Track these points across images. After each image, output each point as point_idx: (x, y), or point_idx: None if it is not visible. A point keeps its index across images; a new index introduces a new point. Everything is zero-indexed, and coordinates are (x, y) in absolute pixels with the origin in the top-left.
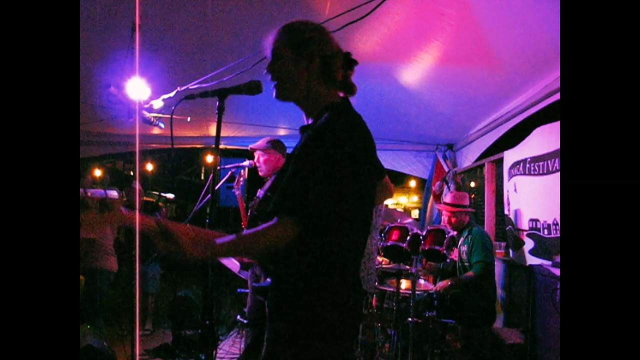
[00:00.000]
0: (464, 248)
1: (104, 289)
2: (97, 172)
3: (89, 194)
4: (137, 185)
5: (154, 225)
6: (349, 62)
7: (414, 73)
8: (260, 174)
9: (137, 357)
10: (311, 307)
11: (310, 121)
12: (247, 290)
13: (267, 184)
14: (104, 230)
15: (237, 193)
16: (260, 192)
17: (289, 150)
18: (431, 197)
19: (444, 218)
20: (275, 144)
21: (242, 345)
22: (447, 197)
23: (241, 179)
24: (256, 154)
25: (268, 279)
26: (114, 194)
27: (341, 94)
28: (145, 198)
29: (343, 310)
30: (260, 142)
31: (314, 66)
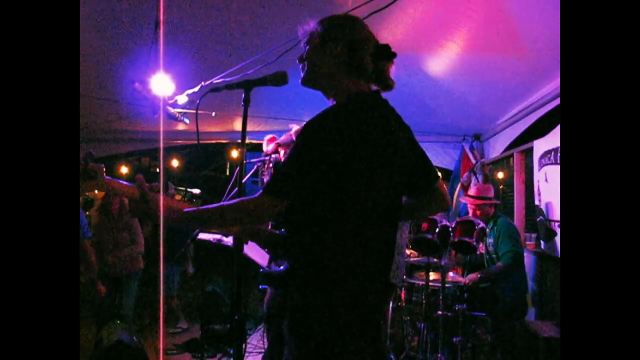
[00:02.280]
0: (490, 240)
1: (135, 289)
2: (124, 169)
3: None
4: (162, 181)
5: (135, 192)
6: (385, 54)
7: (439, 63)
8: None
9: (161, 352)
10: (319, 295)
11: None
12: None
13: None
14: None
15: (266, 180)
16: None
17: None
18: (457, 188)
19: (470, 211)
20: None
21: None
22: (472, 190)
23: (266, 171)
24: (282, 150)
25: (274, 266)
26: (100, 166)
27: (374, 87)
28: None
29: (352, 302)
30: (284, 137)
31: (339, 52)
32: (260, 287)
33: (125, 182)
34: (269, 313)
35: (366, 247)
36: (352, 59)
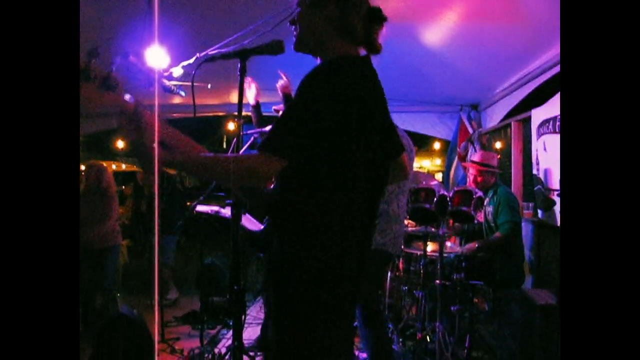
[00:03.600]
0: (490, 209)
1: (115, 262)
2: (120, 144)
3: (93, 69)
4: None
5: (130, 109)
6: (376, 18)
7: (436, 32)
8: None
9: (156, 325)
10: (305, 259)
11: None
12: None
13: None
14: (97, 108)
15: None
16: None
17: None
18: (455, 159)
19: (470, 177)
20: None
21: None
22: (476, 156)
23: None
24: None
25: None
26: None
27: (363, 52)
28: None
29: (338, 265)
30: (279, 86)
31: (330, 13)
32: (260, 255)
33: (130, 102)
34: (267, 280)
35: (352, 207)
36: (342, 21)
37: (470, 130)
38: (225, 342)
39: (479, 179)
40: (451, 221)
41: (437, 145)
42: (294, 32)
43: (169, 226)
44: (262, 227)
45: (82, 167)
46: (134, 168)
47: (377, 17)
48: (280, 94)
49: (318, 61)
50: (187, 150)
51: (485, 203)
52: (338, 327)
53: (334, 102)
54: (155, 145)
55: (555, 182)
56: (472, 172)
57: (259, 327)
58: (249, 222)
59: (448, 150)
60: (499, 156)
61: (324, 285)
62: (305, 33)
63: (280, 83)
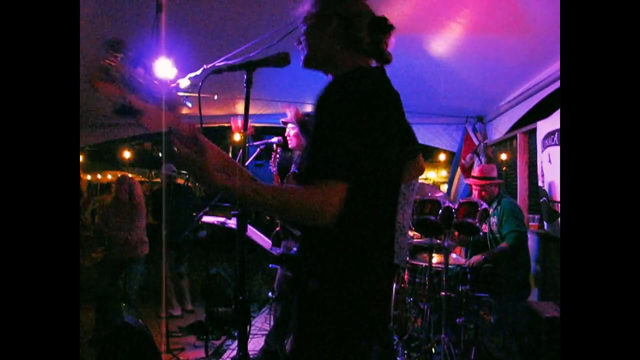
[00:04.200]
0: (494, 220)
1: (139, 273)
2: (126, 154)
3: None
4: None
5: (186, 129)
6: (382, 27)
7: (442, 44)
8: (289, 146)
9: (163, 334)
10: (338, 276)
11: None
12: (278, 266)
13: (296, 158)
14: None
15: (273, 170)
16: (294, 168)
17: None
18: (458, 170)
19: (475, 192)
20: (306, 118)
21: (272, 322)
22: (475, 171)
23: (277, 155)
24: (287, 128)
25: (275, 249)
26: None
27: (374, 63)
28: (178, 180)
29: (371, 282)
30: (291, 116)
31: (334, 28)
32: (270, 266)
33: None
34: (280, 292)
35: (379, 220)
36: (348, 34)
37: (475, 141)
38: (230, 352)
39: (482, 193)
40: (456, 233)
41: (442, 157)
42: (301, 51)
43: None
44: (268, 240)
45: (98, 177)
46: (141, 178)
47: (383, 27)
48: (296, 124)
49: (329, 77)
50: (242, 178)
51: (488, 215)
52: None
53: (361, 115)
54: (162, 153)
55: (559, 194)
56: (475, 188)
57: (264, 338)
58: (255, 234)
59: (453, 162)
60: (505, 168)
61: (358, 305)
62: (313, 50)
63: (290, 116)
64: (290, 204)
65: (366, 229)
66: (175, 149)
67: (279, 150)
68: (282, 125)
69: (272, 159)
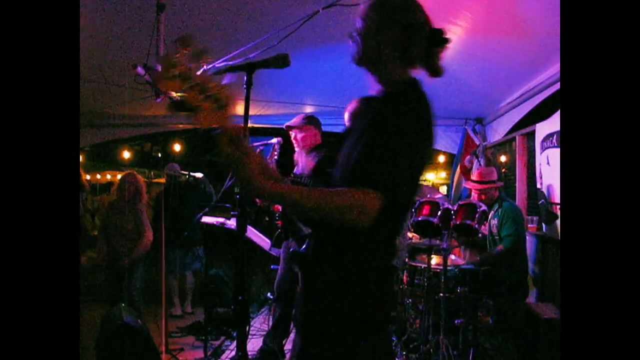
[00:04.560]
0: (494, 222)
1: (141, 274)
2: (126, 154)
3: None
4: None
5: (234, 129)
6: (438, 40)
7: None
8: (297, 149)
9: (162, 336)
10: (348, 275)
11: (377, 93)
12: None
13: (303, 164)
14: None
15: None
16: (297, 170)
17: (327, 127)
18: (457, 171)
19: (474, 195)
20: (312, 120)
21: (271, 321)
22: (474, 175)
23: (275, 153)
24: (293, 132)
25: (274, 250)
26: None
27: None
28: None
29: (379, 283)
30: (295, 119)
31: (394, 36)
32: (272, 267)
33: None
34: (279, 292)
35: (392, 228)
36: (404, 45)
37: (476, 141)
38: (229, 353)
39: (482, 196)
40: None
41: (441, 159)
42: (351, 45)
43: (177, 239)
44: (269, 242)
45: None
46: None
47: (440, 40)
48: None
49: (372, 79)
50: (281, 182)
51: (490, 216)
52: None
53: (417, 135)
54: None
55: (558, 195)
56: (474, 191)
57: (262, 339)
58: (255, 235)
59: (453, 164)
60: (504, 169)
61: (368, 303)
62: (369, 51)
63: (294, 120)
64: (336, 204)
65: (380, 234)
66: (222, 147)
67: (277, 149)
68: (281, 126)
69: (270, 156)
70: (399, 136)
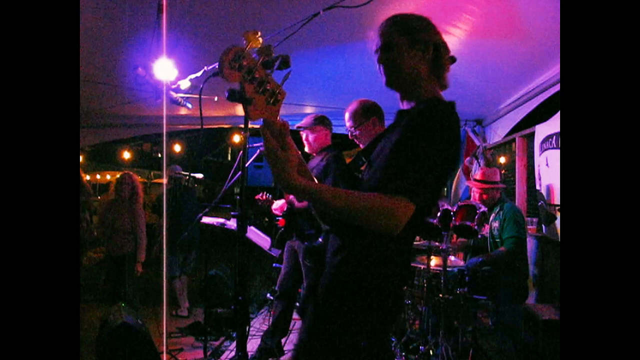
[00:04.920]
0: (496, 224)
1: (137, 272)
2: (126, 155)
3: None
4: (164, 165)
5: (279, 124)
6: (451, 58)
7: None
8: (307, 151)
9: (164, 335)
10: (371, 275)
11: (410, 107)
12: (282, 266)
13: (312, 164)
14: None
15: None
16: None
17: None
18: (458, 173)
19: (475, 195)
20: (322, 120)
21: (270, 321)
22: (477, 174)
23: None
24: (304, 133)
25: (274, 250)
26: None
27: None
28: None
29: (395, 289)
30: (306, 120)
31: (428, 54)
32: (273, 265)
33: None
34: (282, 290)
35: (413, 236)
36: (437, 63)
37: (477, 143)
38: (229, 353)
39: (484, 196)
40: (455, 236)
41: None
42: (384, 68)
43: (186, 239)
44: (269, 241)
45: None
46: (140, 179)
47: (451, 58)
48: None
49: (403, 100)
50: (318, 191)
51: (491, 218)
52: (380, 342)
53: (447, 150)
54: (164, 155)
55: (556, 197)
56: (476, 190)
57: (261, 337)
58: (254, 235)
59: None
60: (503, 171)
61: (380, 298)
62: (402, 72)
63: (304, 121)
64: (368, 208)
65: (402, 242)
66: (265, 140)
67: None
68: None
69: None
70: (433, 148)
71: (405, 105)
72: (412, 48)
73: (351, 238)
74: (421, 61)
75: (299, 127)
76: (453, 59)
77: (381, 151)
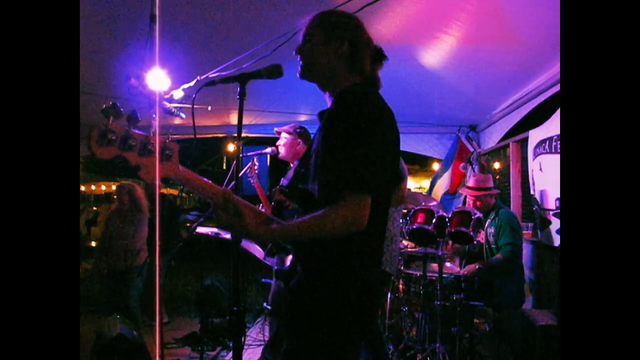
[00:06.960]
0: (491, 230)
1: (139, 282)
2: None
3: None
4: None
5: (219, 195)
6: (380, 57)
7: (435, 54)
8: (279, 156)
9: (157, 346)
10: (332, 290)
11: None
12: (271, 281)
13: (290, 173)
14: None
15: (252, 182)
16: (284, 181)
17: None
18: (447, 173)
19: (469, 202)
20: (300, 130)
21: (268, 332)
22: (470, 181)
23: (255, 167)
24: (281, 137)
25: (268, 259)
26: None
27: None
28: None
29: (364, 290)
30: (286, 127)
31: (343, 50)
32: (262, 280)
33: (207, 180)
34: (274, 307)
35: (376, 233)
36: (354, 59)
37: (470, 149)
38: None
39: (477, 203)
40: (450, 242)
41: (435, 166)
42: (300, 61)
43: (167, 247)
44: (262, 251)
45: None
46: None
47: (381, 57)
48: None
49: (326, 94)
50: (276, 224)
51: (486, 224)
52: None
53: (375, 130)
54: (157, 166)
55: (550, 202)
56: (470, 198)
57: (259, 349)
58: (250, 245)
59: (441, 164)
60: (498, 176)
61: (351, 307)
62: (316, 66)
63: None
64: (328, 227)
65: (366, 236)
66: (216, 217)
67: (257, 163)
68: (275, 135)
69: (250, 170)
70: (355, 132)
71: (328, 103)
72: (327, 43)
73: (304, 256)
74: (335, 56)
75: (277, 130)
76: (380, 56)
77: (314, 152)
